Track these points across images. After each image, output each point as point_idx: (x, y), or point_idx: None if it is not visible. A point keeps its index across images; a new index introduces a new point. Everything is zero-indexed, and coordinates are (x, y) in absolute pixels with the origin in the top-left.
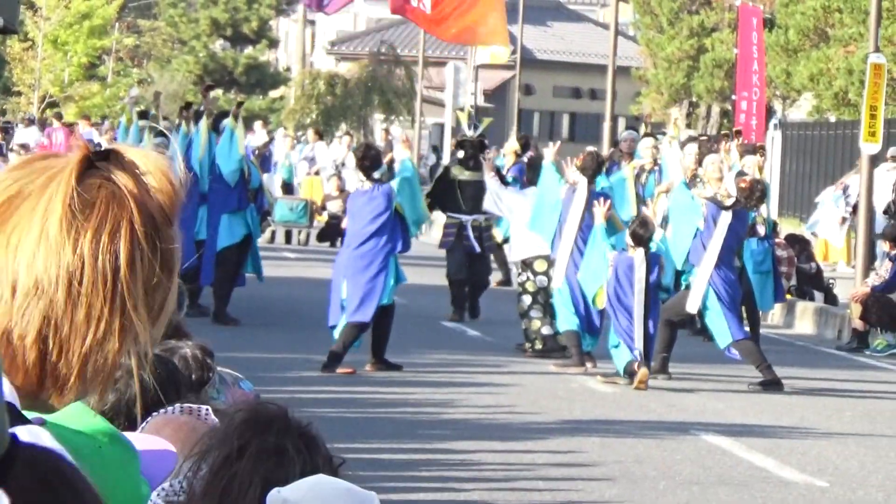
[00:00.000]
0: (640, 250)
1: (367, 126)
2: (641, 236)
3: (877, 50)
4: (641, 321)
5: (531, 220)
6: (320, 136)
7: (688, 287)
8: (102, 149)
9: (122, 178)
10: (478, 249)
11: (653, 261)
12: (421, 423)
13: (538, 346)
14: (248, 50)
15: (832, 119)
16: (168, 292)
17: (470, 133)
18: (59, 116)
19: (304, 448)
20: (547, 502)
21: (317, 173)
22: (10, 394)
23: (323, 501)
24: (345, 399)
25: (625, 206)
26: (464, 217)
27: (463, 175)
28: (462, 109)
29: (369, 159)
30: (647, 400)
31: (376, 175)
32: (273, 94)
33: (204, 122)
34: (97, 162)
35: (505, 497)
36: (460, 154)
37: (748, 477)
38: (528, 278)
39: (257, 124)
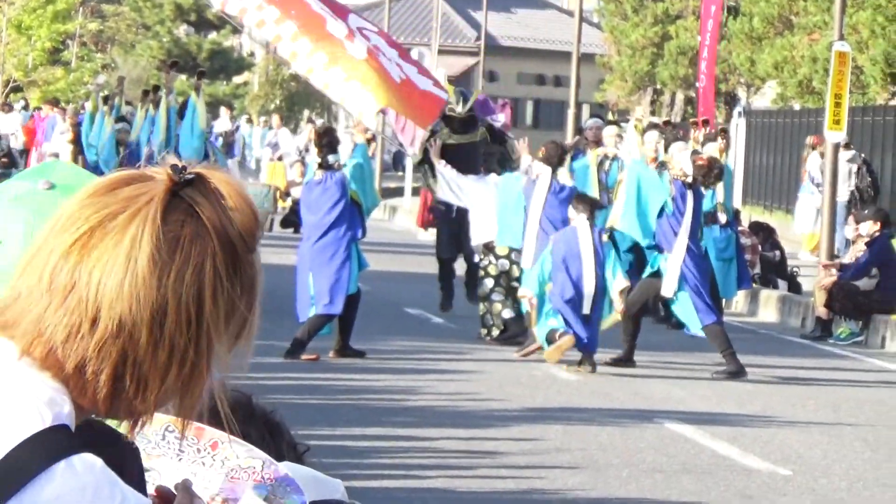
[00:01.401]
0: (583, 217)
1: (331, 112)
2: (586, 204)
3: (841, 38)
4: (592, 290)
5: (499, 231)
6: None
7: (654, 275)
8: (188, 174)
9: (206, 210)
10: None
11: (596, 232)
12: (384, 410)
13: (495, 332)
14: (212, 35)
15: (796, 107)
16: (249, 319)
17: (459, 108)
18: (37, 103)
19: (269, 435)
20: (510, 490)
21: (280, 159)
22: (70, 416)
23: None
24: (308, 386)
25: (588, 192)
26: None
27: (451, 140)
28: (450, 82)
29: (328, 137)
30: (610, 388)
31: (331, 159)
32: (237, 79)
33: (164, 101)
34: (182, 190)
35: (468, 484)
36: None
37: (711, 465)
38: (490, 262)
39: (222, 110)
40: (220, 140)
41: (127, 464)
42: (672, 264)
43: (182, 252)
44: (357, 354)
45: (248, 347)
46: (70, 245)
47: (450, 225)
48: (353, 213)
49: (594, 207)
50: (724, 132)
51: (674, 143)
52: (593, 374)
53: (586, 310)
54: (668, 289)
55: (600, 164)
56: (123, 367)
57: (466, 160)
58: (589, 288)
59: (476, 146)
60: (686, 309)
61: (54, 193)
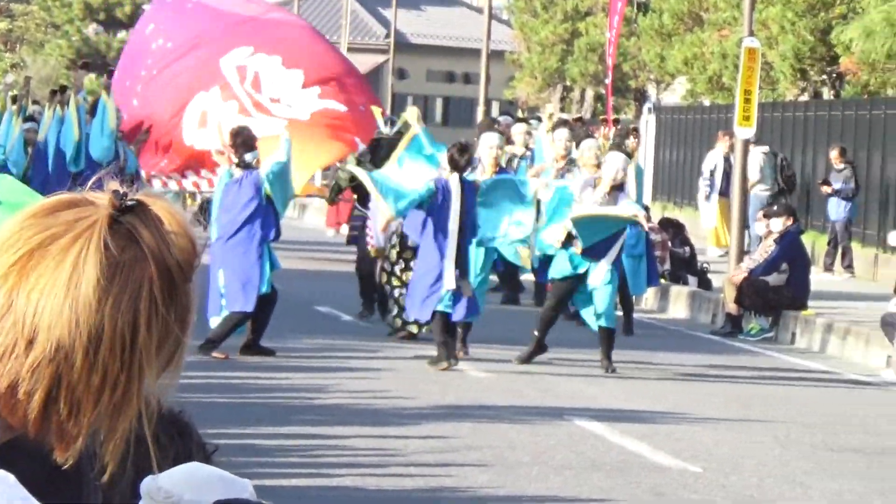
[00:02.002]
0: (455, 175)
1: None
2: (458, 162)
3: (751, 34)
4: (454, 252)
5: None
6: None
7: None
8: (129, 201)
9: (146, 237)
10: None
11: (468, 189)
12: (294, 409)
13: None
14: (122, 34)
15: (706, 103)
16: (180, 346)
17: (386, 130)
18: None
19: (177, 435)
20: (420, 488)
21: None
22: None
23: (198, 489)
24: (218, 385)
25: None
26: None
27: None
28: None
29: (242, 136)
30: (520, 385)
31: (248, 157)
32: None
33: (73, 101)
34: (123, 216)
35: (378, 482)
36: (378, 153)
37: (622, 462)
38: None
39: None
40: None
41: (54, 487)
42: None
43: (122, 278)
44: (266, 353)
45: (178, 372)
46: (9, 266)
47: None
48: (267, 213)
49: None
50: (636, 131)
51: (584, 141)
52: (501, 370)
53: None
54: (595, 278)
55: (509, 162)
56: (57, 389)
57: None
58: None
59: None
60: (607, 303)
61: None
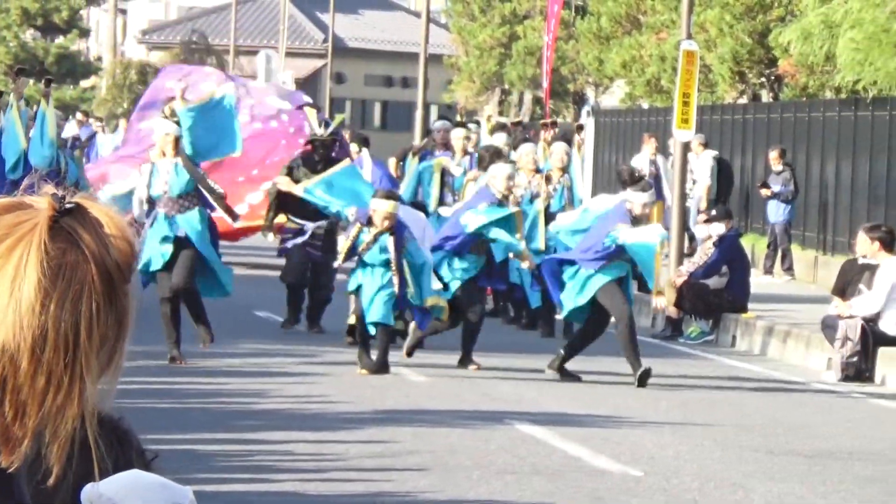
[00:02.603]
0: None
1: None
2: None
3: (689, 37)
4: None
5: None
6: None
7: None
8: (68, 204)
9: (85, 239)
10: (318, 256)
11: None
12: (234, 414)
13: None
14: (60, 40)
15: (645, 106)
16: (120, 346)
17: (321, 131)
18: None
19: (117, 442)
20: (360, 493)
21: None
22: None
23: (139, 496)
24: (157, 390)
25: (431, 194)
26: (307, 223)
27: (309, 177)
28: (312, 106)
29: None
30: (460, 389)
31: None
32: (84, 83)
33: (14, 109)
34: (63, 219)
35: (318, 488)
36: (314, 156)
37: (562, 466)
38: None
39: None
40: (76, 146)
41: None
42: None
43: (64, 280)
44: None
45: (117, 374)
46: None
47: (300, 252)
48: None
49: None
50: (580, 128)
51: (523, 145)
52: (440, 374)
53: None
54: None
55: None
56: (2, 392)
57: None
58: None
59: None
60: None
61: None
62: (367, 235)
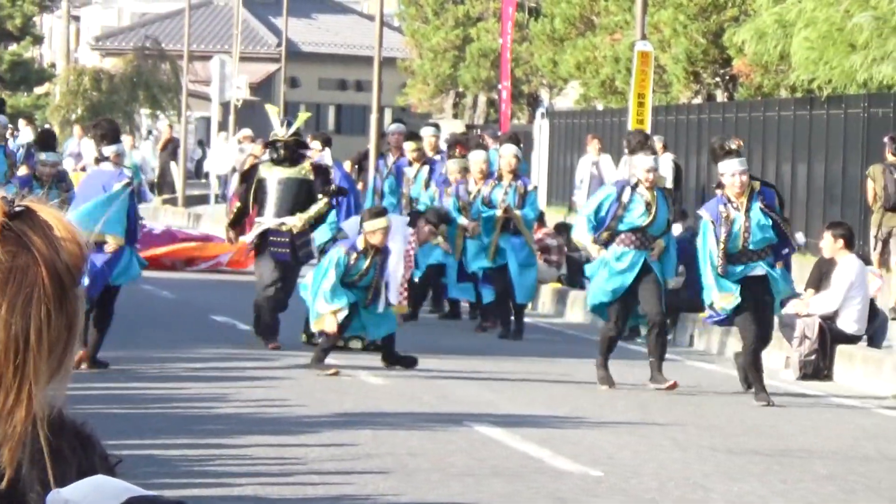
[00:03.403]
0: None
1: (133, 121)
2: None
3: (643, 38)
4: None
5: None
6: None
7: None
8: (17, 207)
9: (36, 242)
10: (286, 255)
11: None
12: (193, 419)
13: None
14: (13, 47)
15: (599, 107)
16: (70, 350)
17: (283, 132)
18: None
19: (80, 447)
20: (321, 496)
21: (83, 169)
22: None
23: (103, 501)
24: (116, 395)
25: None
26: (267, 220)
27: (271, 172)
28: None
29: (102, 129)
30: (419, 391)
31: (107, 151)
32: (38, 90)
33: None
34: (12, 222)
35: (279, 491)
36: (273, 155)
37: (522, 467)
38: None
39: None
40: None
41: None
42: None
43: (15, 283)
44: (101, 365)
45: (67, 377)
46: None
47: (272, 254)
48: None
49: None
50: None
51: (473, 152)
52: (399, 376)
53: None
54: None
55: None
56: None
57: (288, 199)
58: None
59: (301, 185)
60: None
61: None
62: (364, 262)
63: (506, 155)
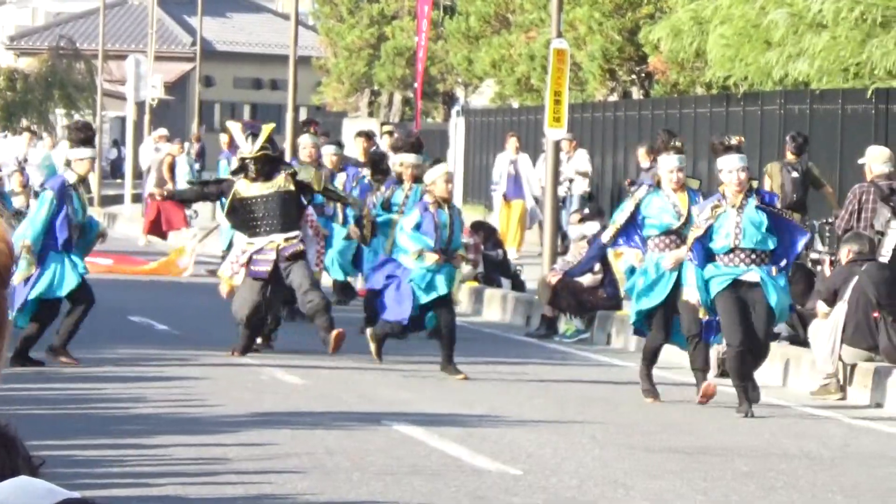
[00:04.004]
0: None
1: (48, 121)
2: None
3: (559, 35)
4: None
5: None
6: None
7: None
8: None
9: None
10: (264, 276)
11: None
12: (113, 419)
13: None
14: None
15: (515, 105)
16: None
17: (249, 147)
18: None
19: (3, 449)
20: (240, 495)
21: None
22: None
23: (26, 502)
24: (35, 397)
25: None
26: (258, 240)
27: (248, 190)
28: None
29: (82, 131)
30: (337, 391)
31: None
32: None
33: None
34: None
35: (198, 491)
36: (246, 174)
37: (441, 466)
38: None
39: None
40: None
41: None
42: None
43: None
44: (35, 363)
45: None
46: None
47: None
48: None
49: None
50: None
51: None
52: (317, 376)
53: None
54: None
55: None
56: None
57: (274, 216)
58: None
59: (283, 198)
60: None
61: None
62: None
63: (406, 164)
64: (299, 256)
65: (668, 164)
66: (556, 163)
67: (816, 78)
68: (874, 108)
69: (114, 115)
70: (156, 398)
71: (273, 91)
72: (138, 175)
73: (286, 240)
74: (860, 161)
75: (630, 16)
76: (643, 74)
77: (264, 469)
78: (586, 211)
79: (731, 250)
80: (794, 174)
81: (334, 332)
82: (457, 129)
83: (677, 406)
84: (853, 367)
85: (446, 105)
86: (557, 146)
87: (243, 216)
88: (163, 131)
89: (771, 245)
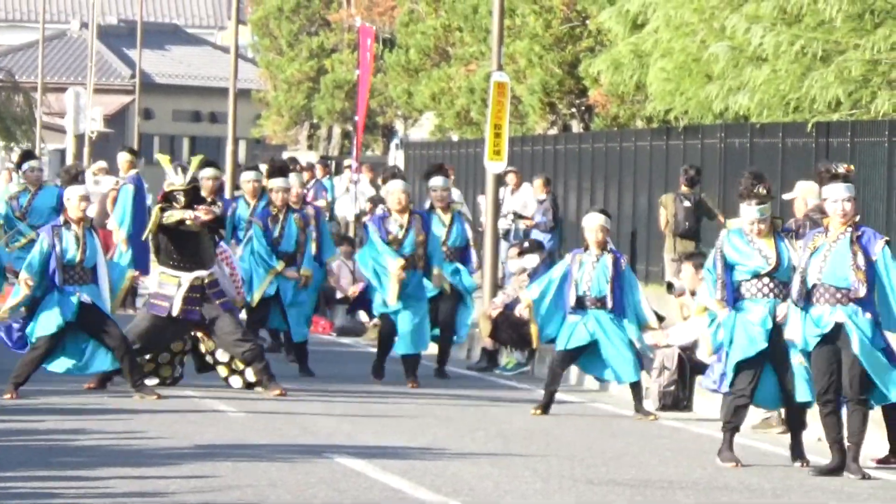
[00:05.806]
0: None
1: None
2: None
3: (500, 68)
4: None
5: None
6: None
7: None
8: None
9: None
10: (199, 317)
11: None
12: (53, 451)
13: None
14: None
15: (455, 138)
16: None
17: (179, 179)
18: None
19: None
20: None
21: None
22: None
23: None
24: None
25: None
26: (183, 274)
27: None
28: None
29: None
30: (278, 423)
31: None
32: None
33: None
34: None
35: None
36: (175, 204)
37: (383, 498)
38: None
39: None
40: None
41: None
42: None
43: None
44: None
45: None
46: None
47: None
48: None
49: None
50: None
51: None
52: (258, 409)
53: None
54: None
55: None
56: None
57: (203, 249)
58: None
59: (202, 233)
60: None
61: None
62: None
63: (394, 192)
64: (220, 296)
65: (748, 215)
66: (497, 196)
67: (757, 112)
68: (814, 141)
69: (53, 147)
70: (96, 430)
71: (213, 124)
72: None
73: (207, 281)
74: (788, 196)
75: (570, 49)
76: (583, 108)
77: (206, 501)
78: (525, 244)
79: (814, 287)
80: (687, 203)
81: (276, 391)
82: (396, 162)
83: (619, 438)
84: None
85: (385, 138)
86: (498, 179)
87: (166, 247)
88: (102, 164)
89: (850, 281)
